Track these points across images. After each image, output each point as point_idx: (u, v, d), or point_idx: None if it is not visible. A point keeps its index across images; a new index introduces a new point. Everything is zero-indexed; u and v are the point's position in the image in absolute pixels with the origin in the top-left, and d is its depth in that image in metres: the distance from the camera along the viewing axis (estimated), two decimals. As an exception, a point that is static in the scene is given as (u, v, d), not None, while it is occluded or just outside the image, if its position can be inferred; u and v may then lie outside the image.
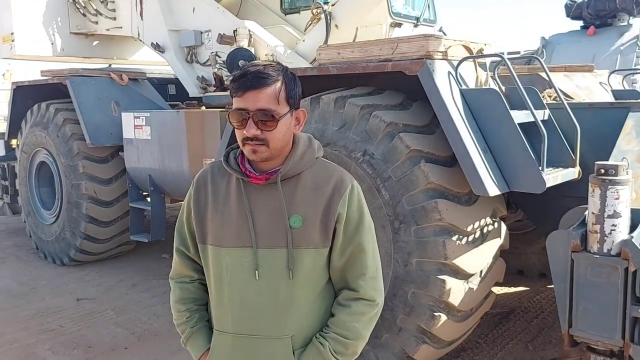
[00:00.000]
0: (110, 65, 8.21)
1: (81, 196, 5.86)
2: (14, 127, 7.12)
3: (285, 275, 1.58)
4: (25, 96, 6.85)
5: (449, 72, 3.23)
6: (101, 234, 6.06)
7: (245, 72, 1.54)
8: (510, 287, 5.29)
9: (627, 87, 5.31)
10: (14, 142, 7.65)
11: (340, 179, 1.64)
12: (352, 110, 3.47)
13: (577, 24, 8.75)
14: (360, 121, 3.43)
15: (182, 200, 5.88)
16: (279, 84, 1.55)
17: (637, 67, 7.02)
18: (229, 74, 5.69)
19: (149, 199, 6.03)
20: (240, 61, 4.55)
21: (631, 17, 8.23)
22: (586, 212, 2.86)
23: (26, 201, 6.83)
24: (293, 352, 1.60)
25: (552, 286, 5.29)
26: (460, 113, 3.13)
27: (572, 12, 8.58)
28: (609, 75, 4.90)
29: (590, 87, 4.71)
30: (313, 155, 1.66)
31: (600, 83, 4.85)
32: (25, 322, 4.77)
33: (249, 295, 1.59)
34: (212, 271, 1.66)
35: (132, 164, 5.69)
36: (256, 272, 1.59)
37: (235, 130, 1.58)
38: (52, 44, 7.67)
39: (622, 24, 8.18)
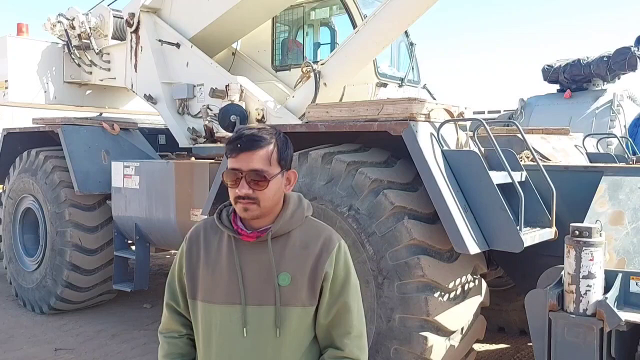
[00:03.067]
0: (101, 114, 8.35)
1: (66, 243, 5.85)
2: (1, 172, 7.13)
3: (272, 333, 1.64)
4: (15, 142, 6.92)
5: (431, 134, 3.39)
6: (83, 282, 6.01)
7: (240, 135, 1.65)
8: (491, 344, 5.31)
9: (601, 150, 5.53)
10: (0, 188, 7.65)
11: (329, 238, 1.72)
12: (339, 166, 3.60)
13: (554, 87, 9.14)
14: (347, 177, 3.55)
15: (167, 250, 5.88)
16: (271, 146, 1.66)
17: (611, 130, 7.31)
18: (219, 127, 5.85)
19: (133, 248, 6.04)
20: (232, 116, 4.70)
21: (605, 83, 8.62)
22: (562, 272, 2.97)
23: (9, 247, 6.78)
24: None
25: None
26: (442, 173, 3.27)
27: (549, 76, 8.97)
28: (584, 139, 5.13)
29: (566, 150, 4.92)
30: (303, 214, 1.75)
31: (575, 146, 5.07)
32: (1, 372, 4.68)
33: (237, 352, 1.64)
34: (201, 327, 1.71)
35: (119, 213, 5.72)
36: (244, 329, 1.64)
37: (229, 189, 1.67)
38: (45, 92, 7.82)
39: (596, 89, 8.56)
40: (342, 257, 1.72)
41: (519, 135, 4.49)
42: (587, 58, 8.51)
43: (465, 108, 3.71)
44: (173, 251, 9.42)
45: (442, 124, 3.42)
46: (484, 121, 3.35)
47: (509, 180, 3.31)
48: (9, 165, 6.96)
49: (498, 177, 3.28)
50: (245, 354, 1.63)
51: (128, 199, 5.59)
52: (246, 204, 1.63)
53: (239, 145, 1.63)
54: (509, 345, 5.30)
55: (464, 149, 3.59)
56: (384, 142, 3.88)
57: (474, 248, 3.12)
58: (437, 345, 3.26)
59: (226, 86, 5.85)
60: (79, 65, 7.78)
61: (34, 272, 6.35)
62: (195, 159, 5.80)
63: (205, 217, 4.81)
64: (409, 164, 3.64)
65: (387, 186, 3.46)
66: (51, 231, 6.03)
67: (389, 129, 3.40)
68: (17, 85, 7.53)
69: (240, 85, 5.85)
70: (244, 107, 5.44)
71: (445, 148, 3.43)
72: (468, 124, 3.68)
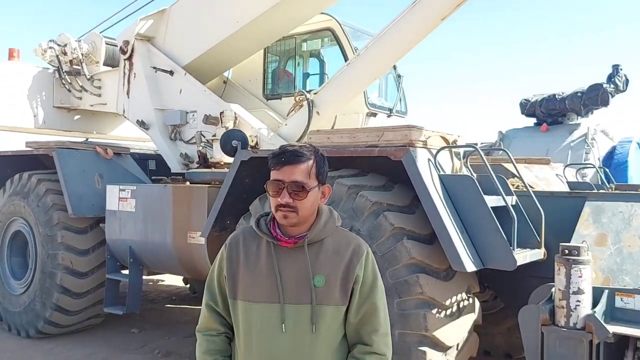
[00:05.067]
0: (87, 139, 8.41)
1: (56, 266, 5.85)
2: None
3: (309, 329, 1.79)
4: (5, 166, 6.93)
5: (429, 159, 3.62)
6: (73, 306, 5.98)
7: (284, 150, 1.84)
8: (478, 366, 5.46)
9: (579, 180, 5.84)
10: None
11: (358, 245, 1.90)
12: (340, 190, 3.78)
13: (532, 121, 9.56)
14: (348, 199, 3.73)
15: (162, 273, 5.91)
16: (311, 161, 1.85)
17: (587, 162, 7.68)
18: (212, 152, 5.99)
19: (124, 271, 6.06)
20: (234, 141, 4.85)
21: (579, 117, 9.08)
22: (553, 289, 3.17)
23: (-5, 270, 6.72)
24: None
25: (518, 366, 5.52)
26: (439, 195, 3.48)
27: (527, 109, 9.41)
28: (564, 168, 5.43)
29: (548, 178, 5.20)
30: (334, 224, 1.93)
31: (556, 175, 5.36)
32: (-9, 395, 4.63)
33: (276, 347, 1.79)
34: (242, 324, 1.85)
35: (113, 236, 5.77)
36: (283, 325, 1.79)
37: (270, 198, 1.85)
38: (35, 116, 7.88)
39: (571, 123, 9.01)
40: (370, 262, 1.89)
41: (504, 164, 4.78)
42: (562, 93, 8.97)
43: (459, 136, 3.96)
44: (156, 277, 9.43)
45: (439, 150, 3.65)
46: (478, 148, 3.58)
47: (502, 204, 3.53)
48: (-2, 188, 6.96)
49: (491, 201, 3.50)
50: (285, 348, 1.78)
51: (123, 222, 5.65)
52: (286, 212, 1.80)
53: (282, 159, 1.81)
54: (495, 368, 5.46)
55: (460, 174, 3.82)
56: (380, 168, 4.09)
57: (470, 266, 3.32)
58: (435, 360, 3.41)
59: (220, 113, 6.01)
60: (69, 90, 7.88)
61: (22, 295, 6.30)
62: (190, 183, 5.92)
63: (203, 239, 4.93)
64: (406, 188, 3.85)
65: (386, 208, 3.64)
66: (42, 254, 6.03)
67: (390, 154, 3.60)
68: (6, 109, 7.58)
69: (235, 113, 6.03)
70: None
71: (442, 173, 3.64)
72: (462, 151, 3.91)
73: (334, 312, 1.82)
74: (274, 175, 1.83)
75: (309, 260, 1.83)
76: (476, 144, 3.86)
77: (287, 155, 1.82)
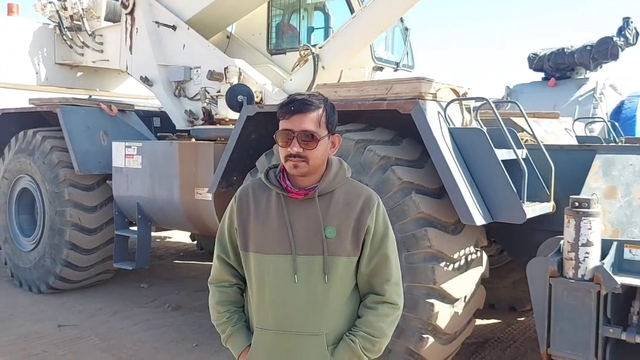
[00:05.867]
0: (90, 97, 8.35)
1: (65, 223, 5.89)
2: (-6, 153, 7.11)
3: (321, 279, 1.79)
4: (9, 123, 6.89)
5: (439, 112, 3.56)
6: (83, 262, 6.06)
7: (293, 99, 1.80)
8: (482, 319, 5.54)
9: (588, 134, 5.78)
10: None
11: (369, 196, 1.88)
12: (348, 144, 3.74)
13: (539, 75, 9.40)
14: (355, 154, 3.70)
15: (169, 229, 5.94)
16: (320, 110, 1.81)
17: (595, 117, 7.59)
18: (217, 109, 5.94)
19: (132, 228, 6.11)
20: (239, 96, 4.79)
21: (588, 71, 8.92)
22: (561, 242, 3.17)
23: (4, 228, 6.78)
24: (327, 348, 1.80)
25: (522, 319, 5.61)
26: (449, 149, 3.44)
27: (535, 64, 9.24)
28: (573, 123, 5.35)
29: (556, 133, 5.14)
30: (344, 175, 1.90)
31: (565, 129, 5.30)
32: (7, 347, 4.73)
33: (289, 296, 1.79)
34: (254, 276, 1.85)
35: (120, 192, 5.79)
36: (295, 275, 1.79)
37: (280, 148, 1.82)
38: (37, 73, 7.80)
39: (580, 77, 8.85)
40: (381, 213, 1.88)
41: (513, 119, 4.72)
42: (571, 47, 8.79)
43: (469, 89, 3.89)
44: (163, 234, 9.53)
45: (449, 103, 3.59)
46: (490, 100, 3.52)
47: (512, 157, 3.49)
48: (2, 146, 6.95)
49: (502, 154, 3.46)
50: (298, 299, 1.79)
51: (130, 179, 5.65)
52: (296, 162, 1.78)
53: (292, 108, 1.77)
54: (499, 321, 5.54)
55: (470, 127, 3.77)
56: (387, 122, 4.04)
57: (479, 219, 3.31)
58: (443, 311, 3.44)
59: (225, 69, 5.93)
60: (70, 46, 7.77)
61: (31, 252, 6.37)
62: (195, 140, 5.89)
63: (210, 195, 4.94)
64: (414, 142, 3.81)
65: (394, 163, 3.61)
66: (50, 211, 6.07)
67: (398, 107, 3.55)
68: (8, 66, 7.49)
69: (239, 68, 5.94)
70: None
71: (452, 126, 3.59)
72: (472, 104, 3.85)
73: (345, 263, 1.82)
74: (283, 124, 1.80)
75: (320, 212, 1.82)
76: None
77: (297, 104, 1.78)
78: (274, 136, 1.82)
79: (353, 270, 1.86)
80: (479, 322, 5.48)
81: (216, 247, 1.98)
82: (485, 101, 3.58)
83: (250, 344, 1.86)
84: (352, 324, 1.86)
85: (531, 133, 4.06)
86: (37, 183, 6.28)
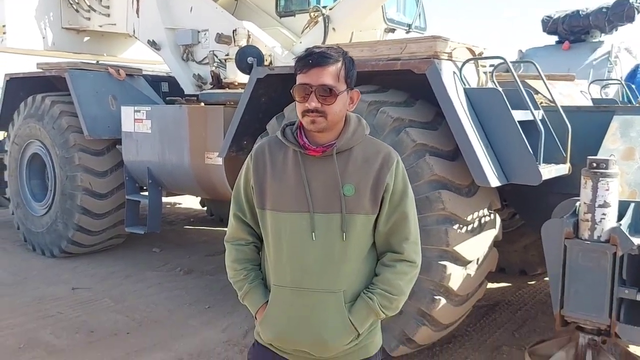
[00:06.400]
0: (97, 62, 8.27)
1: (76, 188, 5.91)
2: (3, 119, 7.10)
3: (339, 237, 1.77)
4: (17, 88, 6.86)
5: (454, 72, 3.49)
6: (94, 226, 6.11)
7: (311, 52, 1.74)
8: (493, 282, 5.55)
9: (603, 97, 5.67)
10: (0, 134, 7.63)
11: (388, 154, 1.84)
12: (361, 106, 3.67)
13: (553, 39, 9.20)
14: (368, 116, 3.64)
15: (179, 194, 5.94)
16: (339, 64, 1.76)
17: (611, 79, 7.44)
18: (226, 73, 5.86)
19: (143, 193, 6.12)
20: (249, 58, 4.72)
21: (603, 34, 8.71)
22: (577, 203, 3.13)
23: (15, 193, 6.82)
24: (344, 305, 1.79)
25: (533, 282, 5.61)
26: (464, 109, 3.38)
27: (548, 27, 9.01)
28: (589, 85, 5.25)
29: (572, 95, 5.05)
30: (363, 132, 1.86)
31: (581, 92, 5.20)
32: (22, 309, 4.81)
33: (307, 254, 1.77)
34: (271, 233, 1.83)
35: (130, 157, 5.78)
36: (313, 233, 1.77)
37: (297, 104, 1.77)
38: (44, 38, 7.69)
39: (594, 40, 8.64)
40: (400, 171, 1.84)
41: (528, 81, 4.62)
42: (586, 9, 8.56)
43: (484, 49, 3.80)
44: (173, 200, 9.57)
45: (464, 62, 3.51)
46: (507, 60, 3.43)
47: (528, 118, 3.43)
48: (11, 112, 6.93)
49: (518, 115, 3.40)
50: (316, 255, 1.77)
51: (139, 143, 5.63)
52: (314, 117, 1.74)
53: (310, 61, 1.72)
54: (510, 284, 5.56)
55: (486, 87, 3.69)
56: (400, 84, 3.96)
57: (494, 181, 3.27)
58: (455, 273, 3.44)
59: (233, 31, 5.83)
60: (77, 10, 7.64)
61: (44, 217, 6.42)
62: (204, 104, 5.84)
63: (220, 159, 4.92)
64: (428, 104, 3.75)
65: (408, 125, 3.56)
66: (60, 176, 6.08)
67: (413, 67, 3.47)
68: (15, 31, 7.40)
69: (248, 31, 5.84)
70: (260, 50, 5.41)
71: (467, 86, 3.52)
72: (488, 64, 3.76)
73: (364, 221, 1.79)
74: (300, 79, 1.75)
75: (338, 169, 1.78)
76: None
77: (315, 57, 1.73)
78: (290, 91, 1.78)
79: (371, 228, 1.83)
80: (489, 285, 5.47)
81: (232, 205, 1.95)
82: (502, 61, 3.49)
83: (267, 301, 1.85)
84: (369, 282, 1.84)
85: (548, 94, 3.98)
86: (47, 148, 6.29)
